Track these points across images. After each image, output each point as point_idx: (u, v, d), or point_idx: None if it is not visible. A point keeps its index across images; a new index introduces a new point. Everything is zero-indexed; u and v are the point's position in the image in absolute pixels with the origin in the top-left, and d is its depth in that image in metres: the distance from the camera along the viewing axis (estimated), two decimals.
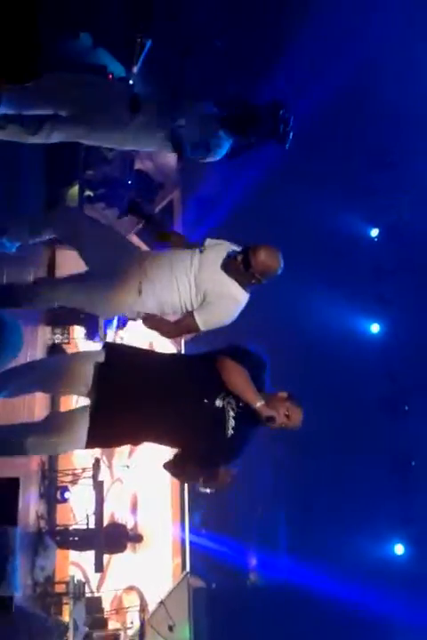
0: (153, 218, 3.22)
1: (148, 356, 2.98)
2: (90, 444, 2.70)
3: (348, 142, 9.93)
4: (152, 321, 2.97)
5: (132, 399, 2.65)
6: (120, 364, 2.73)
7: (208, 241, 3.11)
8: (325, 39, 7.66)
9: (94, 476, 7.27)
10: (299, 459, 9.82)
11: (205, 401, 2.66)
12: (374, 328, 11.38)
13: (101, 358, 2.74)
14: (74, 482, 7.19)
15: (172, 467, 2.74)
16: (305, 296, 9.14)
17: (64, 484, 7.19)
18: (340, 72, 8.07)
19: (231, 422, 2.68)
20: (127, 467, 8.21)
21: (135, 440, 2.89)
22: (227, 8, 6.76)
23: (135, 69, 5.23)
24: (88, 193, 6.06)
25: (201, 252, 3.02)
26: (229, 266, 2.96)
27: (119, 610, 7.61)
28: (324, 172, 9.34)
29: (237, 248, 3.05)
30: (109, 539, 7.24)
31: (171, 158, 7.26)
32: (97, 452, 7.28)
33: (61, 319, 6.25)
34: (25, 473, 5.32)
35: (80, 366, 2.76)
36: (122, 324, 7.69)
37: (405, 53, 8.71)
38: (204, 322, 2.94)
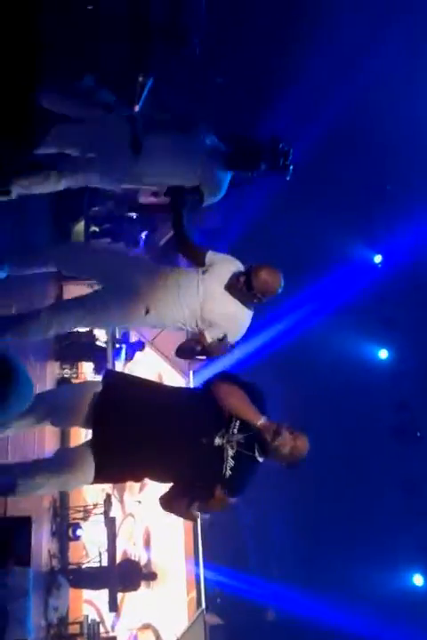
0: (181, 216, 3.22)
1: (146, 390, 2.88)
2: (97, 479, 2.68)
3: (348, 171, 10.06)
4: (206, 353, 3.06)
5: (126, 436, 2.62)
6: (116, 398, 2.71)
7: (210, 256, 3.15)
8: (325, 70, 7.81)
9: (106, 513, 7.19)
10: (312, 491, 9.69)
11: (203, 441, 2.60)
12: (383, 354, 11.33)
13: (99, 388, 2.73)
14: (85, 518, 7.12)
15: (164, 501, 2.69)
16: (311, 325, 9.14)
17: (76, 521, 7.12)
18: (339, 102, 8.23)
19: (230, 462, 2.61)
20: (139, 502, 8.12)
21: (135, 477, 2.80)
22: (227, 42, 6.92)
23: (137, 108, 5.34)
24: (93, 228, 6.14)
25: (204, 273, 3.08)
26: (232, 286, 3.06)
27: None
28: (326, 201, 9.44)
29: (238, 265, 3.13)
30: (123, 576, 7.13)
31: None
32: (108, 487, 7.23)
33: (70, 354, 6.27)
34: (36, 511, 5.28)
35: (80, 398, 2.75)
36: (130, 356, 7.71)
37: (404, 83, 8.87)
38: (211, 340, 3.03)
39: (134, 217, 6.49)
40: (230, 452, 2.60)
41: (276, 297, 3.09)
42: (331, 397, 9.95)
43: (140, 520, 8.25)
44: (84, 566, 7.00)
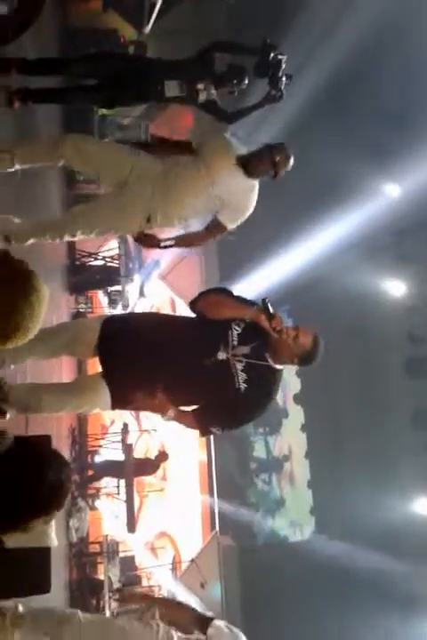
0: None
1: (146, 320, 2.95)
2: (114, 405, 2.76)
3: (365, 98, 9.72)
4: (184, 242, 3.16)
5: (132, 365, 2.66)
6: (119, 328, 2.77)
7: (197, 142, 3.15)
8: None
9: (123, 440, 7.45)
10: (322, 418, 9.86)
11: (207, 362, 2.56)
12: (398, 288, 11.24)
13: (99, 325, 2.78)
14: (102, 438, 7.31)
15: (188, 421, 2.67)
16: (325, 256, 9.05)
17: (94, 448, 7.39)
18: (356, 28, 7.88)
19: (241, 376, 2.56)
20: (155, 430, 8.37)
21: (151, 406, 2.83)
22: None
23: (147, 30, 5.19)
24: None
25: (207, 167, 3.03)
26: (250, 164, 3.02)
27: (153, 550, 7.82)
28: (341, 130, 9.18)
29: (230, 139, 3.10)
30: (138, 465, 7.26)
31: (187, 120, 7.25)
32: (126, 415, 7.45)
33: (84, 284, 6.32)
34: (56, 435, 5.47)
35: (94, 331, 2.80)
36: (142, 291, 7.76)
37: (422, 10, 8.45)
38: (230, 220, 3.08)
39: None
40: (239, 366, 2.56)
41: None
42: (345, 330, 9.98)
43: (157, 438, 8.42)
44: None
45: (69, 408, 2.94)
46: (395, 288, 11.17)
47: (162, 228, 3.26)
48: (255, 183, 3.09)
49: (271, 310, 2.55)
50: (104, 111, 5.79)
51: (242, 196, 3.07)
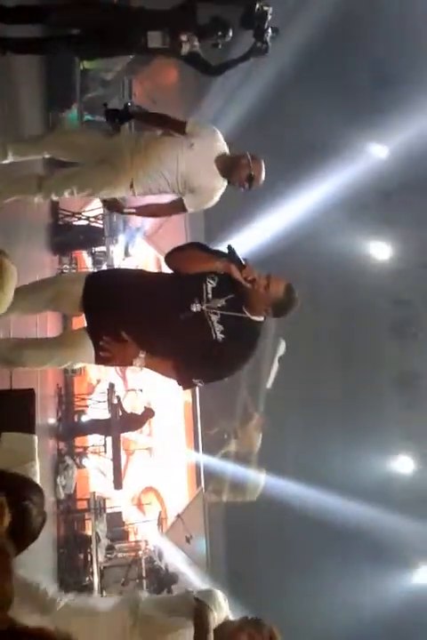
0: (130, 111, 3.27)
1: (127, 275, 3.05)
2: (98, 360, 2.79)
3: (353, 59, 9.60)
4: (146, 211, 3.30)
5: (113, 320, 2.68)
6: (100, 289, 2.78)
7: (192, 124, 3.15)
8: None
9: (109, 400, 7.51)
10: (308, 378, 9.99)
11: (182, 317, 2.59)
12: (383, 251, 11.29)
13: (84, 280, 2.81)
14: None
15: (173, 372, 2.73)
16: (311, 218, 9.04)
17: (80, 408, 7.45)
18: None
19: (218, 327, 2.59)
20: (141, 390, 8.45)
21: (133, 361, 2.86)
22: None
23: None
24: (87, 117, 5.96)
25: (191, 146, 3.10)
26: (226, 168, 3.12)
27: (139, 505, 7.96)
28: (328, 89, 9.07)
29: (220, 138, 3.17)
30: (124, 421, 7.32)
31: (171, 75, 7.11)
32: (112, 375, 7.50)
33: (68, 244, 6.27)
34: (42, 394, 5.51)
35: (78, 287, 2.82)
36: (127, 252, 7.73)
37: None
38: (191, 206, 3.18)
39: (129, 104, 6.27)
40: (215, 318, 2.59)
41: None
42: (331, 292, 10.04)
43: (143, 397, 8.49)
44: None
45: (53, 362, 2.96)
46: (381, 250, 11.22)
47: (143, 195, 3.33)
48: (225, 184, 3.18)
49: (240, 258, 2.59)
50: (86, 65, 5.67)
51: (210, 192, 3.16)
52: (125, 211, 3.35)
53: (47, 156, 3.32)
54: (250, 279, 2.57)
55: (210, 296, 2.63)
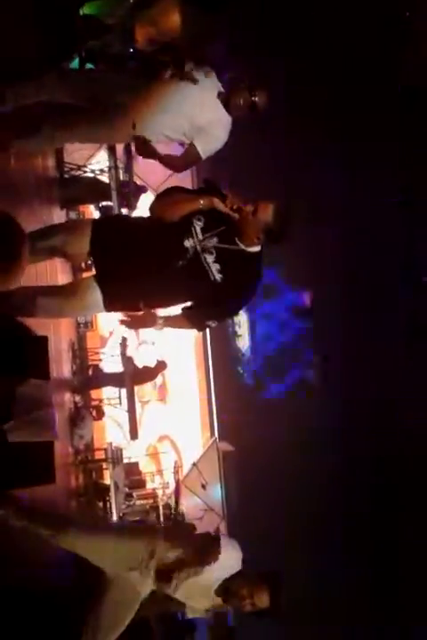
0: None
1: (131, 224, 3.07)
2: (107, 307, 2.83)
3: None
4: (168, 162, 3.16)
5: (119, 265, 2.71)
6: (107, 235, 2.79)
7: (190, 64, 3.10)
8: None
9: (123, 354, 7.62)
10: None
11: (178, 263, 2.57)
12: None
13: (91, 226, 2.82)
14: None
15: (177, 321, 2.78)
16: (321, 164, 8.85)
17: (95, 362, 7.58)
18: None
19: (215, 267, 2.55)
20: (153, 343, 8.55)
21: (139, 306, 2.89)
22: None
23: None
24: (89, 66, 5.84)
25: (196, 83, 3.04)
26: (231, 100, 3.03)
27: (154, 454, 8.16)
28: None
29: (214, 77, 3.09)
30: (137, 374, 7.38)
31: (175, 19, 6.91)
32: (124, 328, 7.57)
33: (75, 197, 6.26)
34: (56, 349, 5.61)
35: (78, 233, 2.84)
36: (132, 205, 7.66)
37: None
38: (203, 147, 3.07)
39: (132, 52, 6.16)
40: (210, 259, 2.56)
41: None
42: (340, 234, 9.91)
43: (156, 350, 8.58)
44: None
45: (64, 311, 3.01)
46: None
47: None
48: (230, 120, 3.10)
49: (220, 189, 2.58)
50: (86, 10, 5.53)
51: (219, 127, 3.09)
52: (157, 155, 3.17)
53: (46, 98, 3.24)
54: (236, 208, 2.53)
55: (200, 237, 2.61)
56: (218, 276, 2.59)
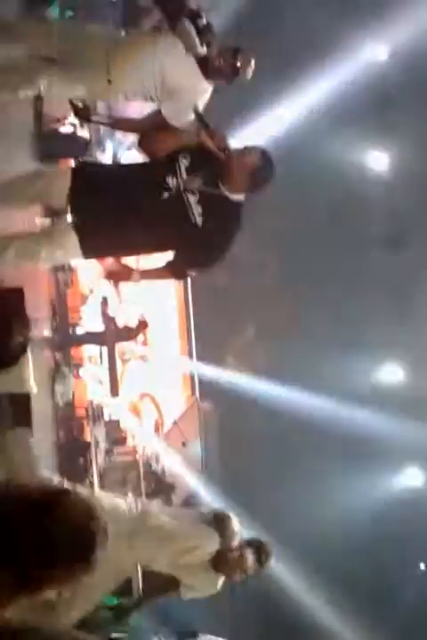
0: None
1: (109, 170, 3.09)
2: (85, 254, 2.82)
3: None
4: (124, 125, 3.26)
5: (99, 211, 2.71)
6: (85, 182, 2.79)
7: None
8: None
9: (103, 313, 7.60)
10: (299, 285, 10.05)
11: (162, 196, 2.54)
12: (380, 161, 11.01)
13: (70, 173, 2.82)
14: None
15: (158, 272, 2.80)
16: (305, 123, 8.77)
17: (75, 322, 7.54)
18: None
19: (196, 208, 2.55)
20: (134, 303, 8.51)
21: (119, 251, 2.91)
22: None
23: None
24: (69, 13, 5.66)
25: (166, 41, 2.98)
26: (208, 62, 2.94)
27: (135, 412, 8.25)
28: None
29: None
30: (119, 333, 7.43)
31: None
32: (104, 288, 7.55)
33: (52, 151, 6.12)
34: (35, 305, 5.57)
35: (58, 179, 2.81)
36: (116, 159, 7.54)
37: None
38: (169, 114, 2.96)
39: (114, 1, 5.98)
40: (193, 200, 2.55)
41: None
42: (326, 200, 9.91)
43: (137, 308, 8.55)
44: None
45: (40, 258, 3.00)
46: (377, 159, 10.96)
47: (126, 99, 3.19)
48: (209, 89, 2.98)
49: (208, 124, 2.58)
50: None
51: (191, 94, 2.94)
52: (94, 119, 3.25)
53: (22, 47, 3.16)
54: (223, 147, 2.55)
55: (184, 175, 2.59)
56: (198, 220, 2.58)
